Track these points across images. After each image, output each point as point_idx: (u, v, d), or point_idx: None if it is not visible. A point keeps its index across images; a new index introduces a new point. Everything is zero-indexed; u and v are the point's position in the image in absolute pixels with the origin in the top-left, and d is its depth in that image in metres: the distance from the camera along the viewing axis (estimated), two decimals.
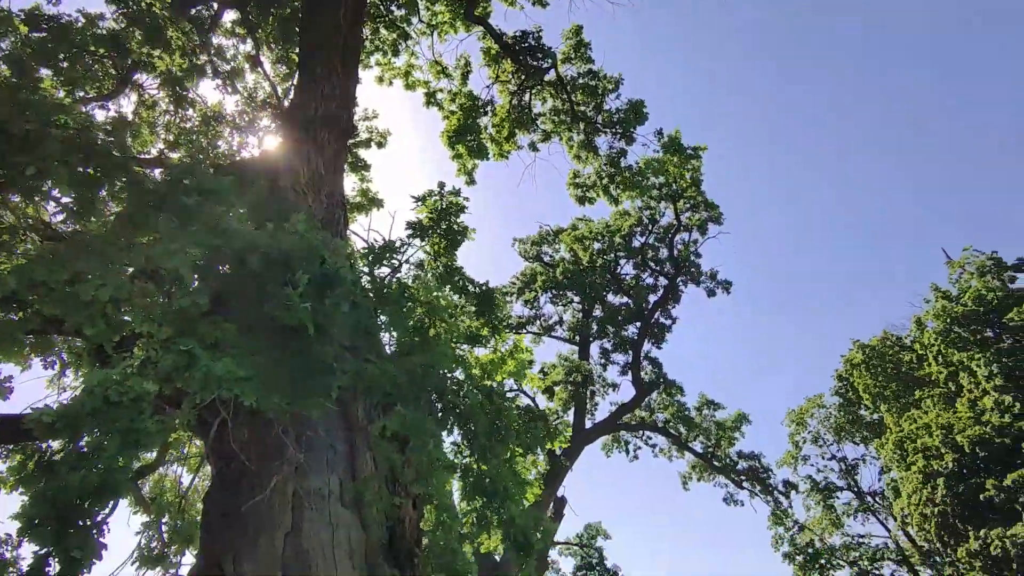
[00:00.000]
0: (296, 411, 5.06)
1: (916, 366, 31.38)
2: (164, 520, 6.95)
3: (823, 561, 35.90)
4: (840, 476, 37.89)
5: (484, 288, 6.31)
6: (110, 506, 3.91)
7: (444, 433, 5.07)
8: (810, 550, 35.78)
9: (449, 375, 5.34)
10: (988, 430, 24.10)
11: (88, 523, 3.75)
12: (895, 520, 32.88)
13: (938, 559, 31.31)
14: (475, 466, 5.34)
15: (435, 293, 5.35)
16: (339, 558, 5.34)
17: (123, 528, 7.38)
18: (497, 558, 21.74)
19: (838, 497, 37.51)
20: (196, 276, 5.44)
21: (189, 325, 5.04)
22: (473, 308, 5.97)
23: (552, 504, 26.13)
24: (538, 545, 5.61)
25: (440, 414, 5.23)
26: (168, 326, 4.99)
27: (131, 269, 5.72)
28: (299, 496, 5.49)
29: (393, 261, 5.81)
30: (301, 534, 5.32)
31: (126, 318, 5.26)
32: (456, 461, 5.55)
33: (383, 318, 5.06)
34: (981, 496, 23.37)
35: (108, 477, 3.74)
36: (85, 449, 3.88)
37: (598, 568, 26.15)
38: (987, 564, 22.97)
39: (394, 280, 5.69)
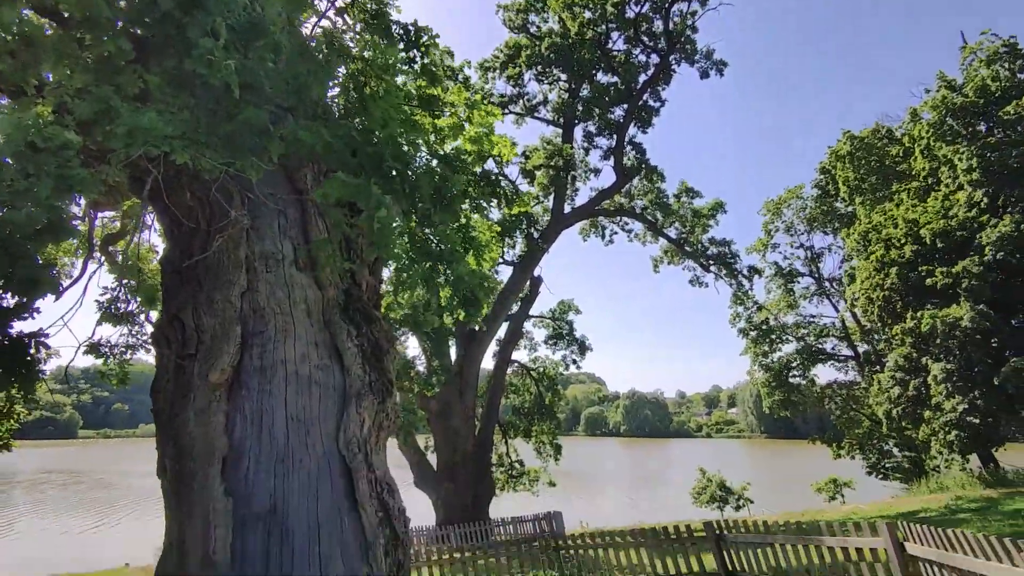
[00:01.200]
0: (235, 173, 4.87)
1: (900, 160, 31.18)
2: (127, 281, 7.19)
3: (774, 336, 39.74)
4: (804, 264, 40.10)
5: (413, 27, 5.65)
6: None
7: (390, 199, 4.95)
8: (764, 327, 39.37)
9: (394, 139, 5.07)
10: (952, 223, 24.85)
11: (38, 260, 3.79)
12: (845, 303, 35.55)
13: (876, 336, 34.68)
14: (421, 232, 5.37)
15: (367, 42, 4.80)
16: (297, 316, 5.64)
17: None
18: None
19: (798, 282, 40.15)
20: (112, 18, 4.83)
21: (107, 75, 4.62)
22: (401, 53, 5.42)
23: (528, 282, 27.73)
24: (484, 301, 5.89)
25: (383, 180, 5.07)
26: (83, 73, 4.57)
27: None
28: (251, 259, 5.59)
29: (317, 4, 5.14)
30: (257, 293, 5.54)
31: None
32: (405, 227, 5.54)
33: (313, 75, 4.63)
34: (928, 282, 25.00)
35: (51, 215, 3.66)
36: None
37: (567, 338, 28.68)
38: (916, 340, 25.47)
39: (318, 28, 5.09)
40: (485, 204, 6.91)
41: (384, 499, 5.51)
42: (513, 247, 26.58)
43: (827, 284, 39.32)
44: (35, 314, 3.96)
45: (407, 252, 5.18)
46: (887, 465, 35.78)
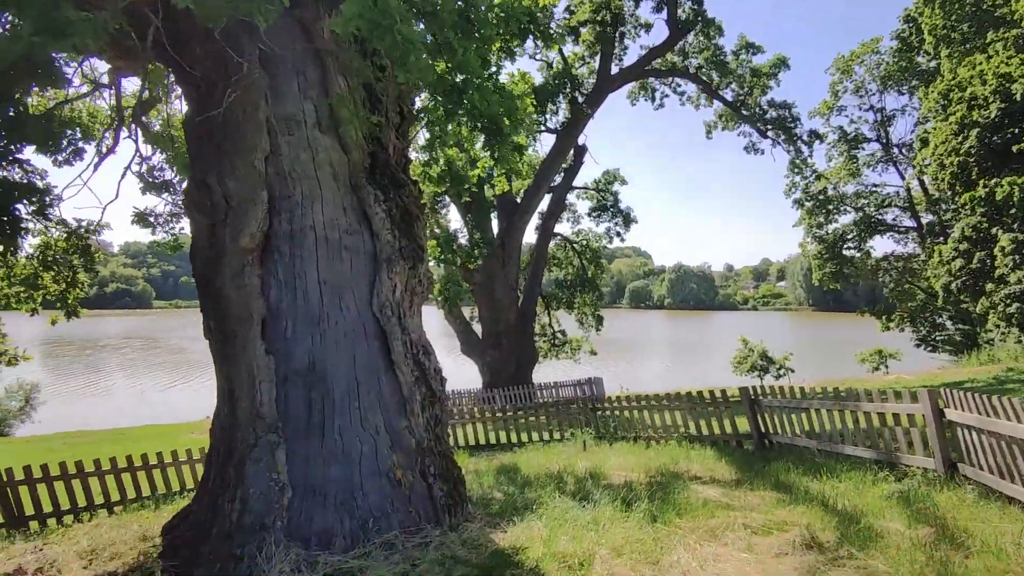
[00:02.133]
0: (244, 22, 4.53)
1: (1001, 3, 27.24)
2: (160, 151, 7.15)
3: (831, 207, 37.89)
4: (872, 128, 37.05)
5: None
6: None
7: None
8: (821, 196, 37.44)
9: None
10: None
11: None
12: (914, 169, 33.11)
13: (943, 206, 32.55)
14: (442, 63, 4.94)
15: None
16: (323, 180, 5.51)
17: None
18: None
19: (863, 148, 37.37)
20: None
21: None
22: None
23: (571, 152, 26.71)
24: (509, 131, 5.59)
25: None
26: None
27: None
28: (273, 122, 5.38)
29: None
30: (281, 157, 5.39)
31: None
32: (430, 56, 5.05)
33: None
34: (1014, 148, 22.79)
35: (34, 54, 3.47)
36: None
37: (612, 210, 28.06)
38: (988, 210, 23.80)
39: None
40: (518, 47, 6.30)
41: (420, 360, 5.67)
42: (555, 113, 25.32)
43: (895, 150, 36.49)
44: (17, 164, 3.88)
45: (432, 87, 4.79)
46: (938, 338, 35.21)
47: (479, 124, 5.18)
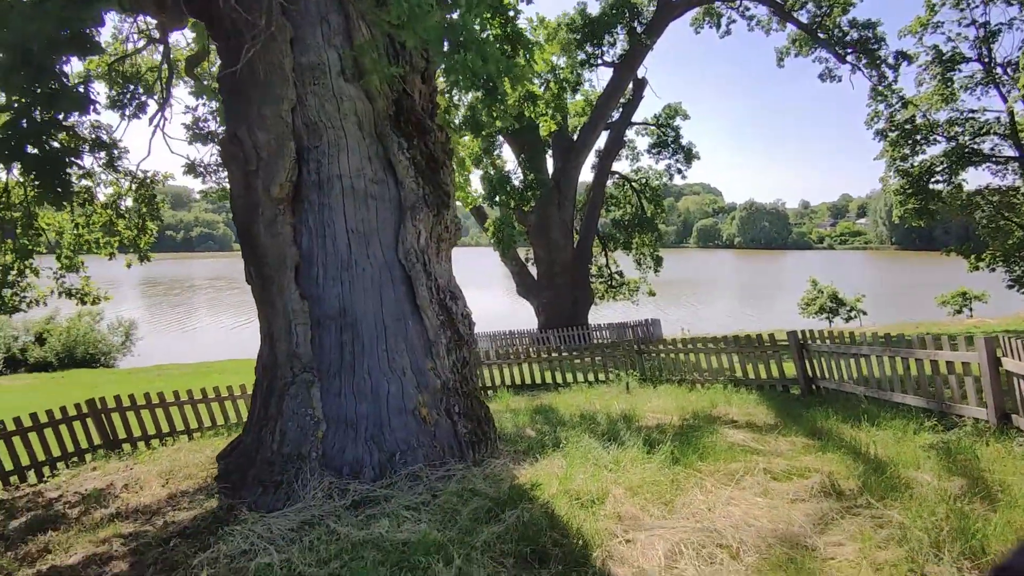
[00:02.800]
0: None
1: None
2: (204, 101, 7.42)
3: (919, 136, 34.82)
4: (972, 46, 33.24)
5: None
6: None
7: None
8: (908, 126, 34.42)
9: None
10: None
11: (60, 72, 3.91)
12: (1019, 91, 29.77)
13: None
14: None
15: None
16: (348, 129, 5.61)
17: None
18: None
19: (960, 70, 33.76)
20: None
21: None
22: None
23: (631, 85, 25.58)
24: (506, 92, 5.48)
25: None
26: None
27: None
28: (299, 71, 5.47)
29: None
30: (307, 107, 5.51)
31: None
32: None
33: None
34: None
35: (68, 27, 3.67)
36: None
37: (672, 146, 26.96)
38: None
39: None
40: None
41: (447, 304, 5.84)
42: (613, 45, 24.19)
43: (998, 70, 32.75)
44: (62, 130, 4.17)
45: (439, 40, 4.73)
46: None
47: (476, 83, 5.09)
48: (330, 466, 5.00)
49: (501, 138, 24.41)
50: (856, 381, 8.36)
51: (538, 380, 12.31)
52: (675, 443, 6.22)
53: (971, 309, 29.19)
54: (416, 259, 5.54)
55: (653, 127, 27.50)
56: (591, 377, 12.07)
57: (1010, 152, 33.44)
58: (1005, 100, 32.83)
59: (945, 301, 30.35)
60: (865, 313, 32.81)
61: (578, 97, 26.38)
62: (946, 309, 30.16)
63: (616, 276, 28.94)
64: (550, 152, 25.52)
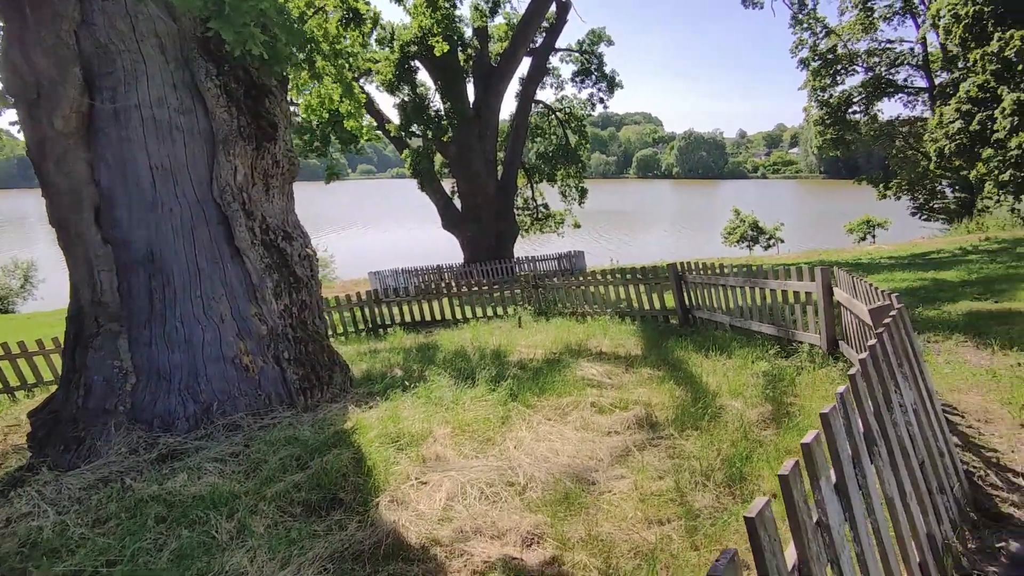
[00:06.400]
0: None
1: None
2: None
3: (839, 67, 35.29)
4: None
5: None
6: None
7: None
8: (830, 55, 34.75)
9: None
10: None
11: None
12: (929, 20, 30.31)
13: (960, 64, 30.19)
14: None
15: None
16: (147, 53, 5.02)
17: None
18: None
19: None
20: None
21: None
22: None
23: (555, 7, 24.54)
24: (283, 44, 5.05)
25: None
26: None
27: None
28: None
29: None
30: (95, 27, 4.87)
31: None
32: None
33: None
34: None
35: None
36: None
37: (596, 74, 26.32)
38: (998, 68, 22.04)
39: None
40: None
41: (279, 245, 5.52)
42: None
43: (915, 0, 33.22)
44: None
45: None
46: (935, 206, 34.33)
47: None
48: (140, 419, 4.77)
49: (417, 63, 23.20)
50: (724, 311, 8.63)
51: (438, 316, 12.21)
52: (526, 378, 6.29)
53: (874, 236, 30.77)
54: (233, 197, 5.15)
55: (577, 54, 26.68)
56: (489, 312, 12.06)
57: (921, 83, 34.48)
58: (919, 30, 33.47)
59: (852, 229, 31.83)
60: (783, 241, 34.08)
61: (498, 20, 25.19)
62: (852, 236, 31.67)
63: (542, 209, 28.78)
64: (471, 79, 24.50)
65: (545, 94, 27.76)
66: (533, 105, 26.44)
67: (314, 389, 5.48)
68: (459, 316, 12.05)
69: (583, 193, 28.10)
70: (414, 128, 22.31)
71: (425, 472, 4.10)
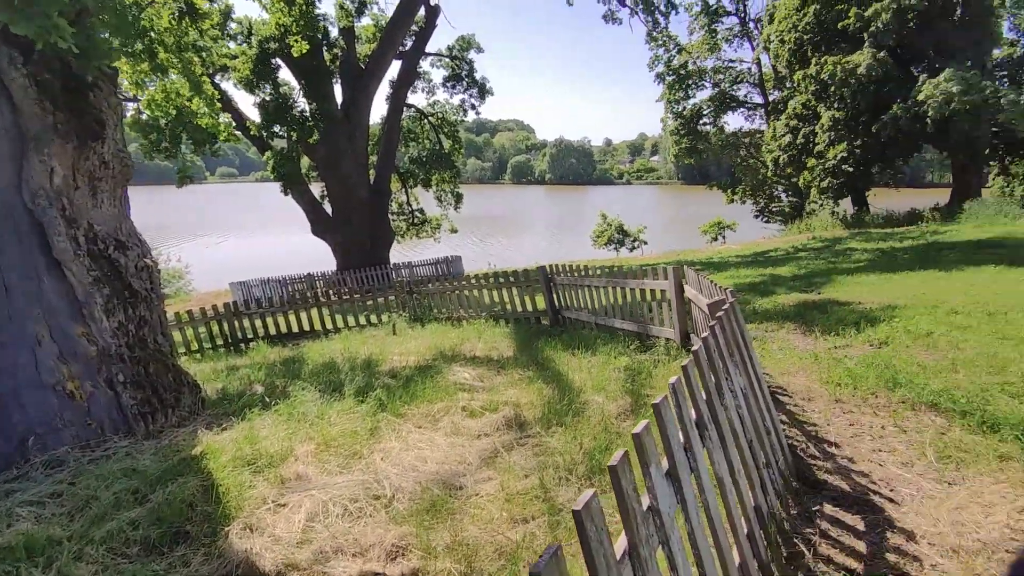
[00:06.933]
0: None
1: None
2: None
3: (690, 82, 38.54)
4: (732, 1, 37.15)
5: None
6: None
7: None
8: (682, 71, 37.83)
9: None
10: None
11: None
12: (762, 44, 33.99)
13: (788, 84, 34.10)
14: None
15: None
16: None
17: None
18: None
19: (723, 22, 37.67)
20: None
21: None
22: None
23: (424, 11, 24.41)
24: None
25: None
26: None
27: None
28: None
29: None
30: None
31: None
32: None
33: None
34: (840, 24, 23.76)
35: None
36: None
37: (467, 80, 26.55)
38: (817, 88, 25.17)
39: None
40: None
41: (111, 256, 4.95)
42: None
43: (751, 25, 37.08)
44: None
45: None
46: (773, 209, 38.45)
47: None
48: None
49: (279, 61, 22.00)
50: (590, 310, 9.04)
51: (307, 328, 11.62)
52: (397, 387, 6.15)
53: (724, 237, 33.84)
54: (49, 202, 4.53)
55: (447, 59, 26.74)
56: (362, 321, 11.69)
57: (759, 99, 38.47)
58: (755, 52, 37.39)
59: (705, 230, 34.77)
60: (646, 243, 36.38)
61: (366, 21, 24.61)
62: (706, 237, 34.61)
63: (418, 213, 28.47)
64: (338, 80, 23.68)
65: (417, 98, 27.67)
66: (405, 109, 26.13)
67: (157, 413, 4.96)
68: (330, 326, 11.56)
69: (459, 198, 28.20)
70: (277, 129, 21.11)
71: (284, 493, 3.86)
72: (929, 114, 20.71)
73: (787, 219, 35.91)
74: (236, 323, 10.83)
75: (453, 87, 26.78)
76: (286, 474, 4.15)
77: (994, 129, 22.37)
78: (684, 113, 38.11)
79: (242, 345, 10.73)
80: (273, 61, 21.67)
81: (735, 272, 14.30)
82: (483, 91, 26.69)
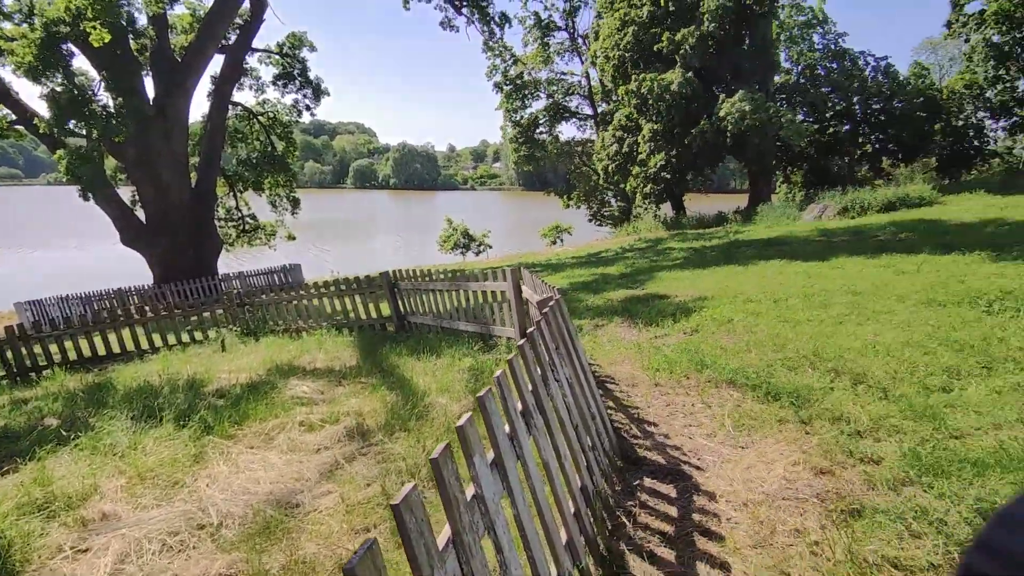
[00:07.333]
0: None
1: None
2: None
3: (527, 92, 40.29)
4: (562, 16, 39.52)
5: None
6: None
7: None
8: (519, 81, 39.42)
9: None
10: None
11: None
12: (589, 59, 36.57)
13: (614, 97, 37.00)
14: None
15: None
16: None
17: None
18: None
19: (554, 36, 39.93)
20: None
21: None
22: None
23: (249, 3, 22.79)
24: None
25: None
26: None
27: None
28: None
29: None
30: None
31: None
32: None
33: None
34: (656, 46, 26.35)
35: None
36: None
37: (300, 79, 25.29)
38: (638, 102, 27.64)
39: None
40: None
41: None
42: None
43: (579, 41, 39.72)
44: None
45: None
46: (605, 213, 41.46)
47: None
48: None
49: (72, 47, 19.19)
50: (435, 314, 9.07)
51: (117, 350, 10.28)
52: (225, 407, 5.69)
53: (562, 240, 35.82)
54: None
55: (277, 56, 25.24)
56: (185, 338, 10.62)
57: (589, 111, 41.27)
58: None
59: (545, 234, 36.54)
60: (491, 247, 37.30)
61: (181, 9, 22.43)
62: (546, 240, 36.38)
63: (249, 220, 26.50)
64: (148, 73, 21.27)
65: (245, 96, 25.92)
66: (232, 107, 24.21)
67: None
68: (147, 347, 10.38)
69: (296, 203, 26.73)
70: (73, 125, 18.40)
71: (87, 537, 3.39)
72: (729, 129, 23.75)
73: (617, 222, 38.97)
74: (24, 349, 9.27)
75: (285, 86, 25.33)
76: (89, 515, 3.65)
77: (778, 143, 26.27)
78: (522, 122, 39.75)
79: (33, 374, 9.20)
80: (65, 47, 18.85)
81: (571, 272, 15.22)
82: (318, 92, 25.57)
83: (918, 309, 6.79)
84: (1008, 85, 29.90)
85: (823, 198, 22.85)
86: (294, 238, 28.08)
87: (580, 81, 40.29)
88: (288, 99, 25.79)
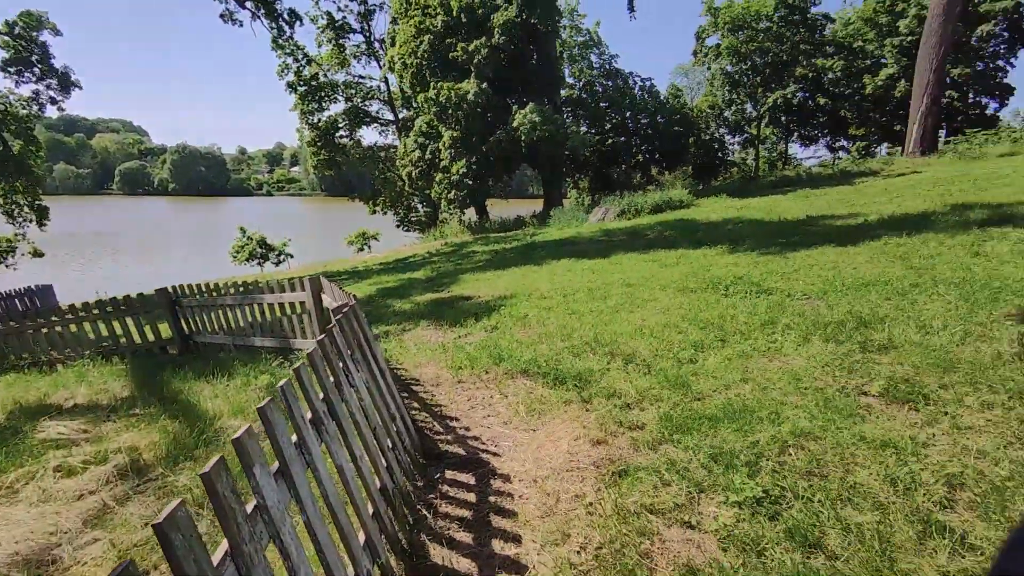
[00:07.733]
0: None
1: None
2: None
3: (323, 94, 38.70)
4: (357, 19, 38.72)
5: None
6: None
7: None
8: (314, 83, 37.70)
9: None
10: (475, 0, 26.67)
11: None
12: (386, 66, 36.40)
13: (414, 104, 37.19)
14: None
15: None
16: None
17: None
18: None
19: (350, 39, 38.95)
20: None
21: None
22: None
23: None
24: None
25: None
26: None
27: None
28: None
29: None
30: None
31: None
32: None
33: None
34: (451, 55, 27.12)
35: None
36: None
37: (40, 67, 21.36)
38: (437, 110, 28.16)
39: None
40: None
41: None
42: None
43: (376, 45, 39.28)
44: None
45: None
46: (412, 218, 41.52)
47: None
48: None
49: None
50: (226, 331, 8.37)
51: None
52: None
53: (369, 247, 35.15)
54: None
55: (7, 38, 21.04)
56: None
57: (390, 116, 40.99)
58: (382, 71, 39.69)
59: (351, 241, 35.54)
60: (292, 256, 35.19)
61: None
62: (352, 247, 35.39)
63: None
64: None
65: None
66: None
67: None
68: None
69: (42, 212, 22.53)
70: None
71: None
72: (522, 138, 25.34)
73: (424, 227, 39.26)
74: None
75: (20, 74, 21.19)
76: None
77: (566, 152, 28.70)
78: (319, 125, 38.14)
79: None
80: None
81: (378, 279, 15.05)
82: (67, 82, 21.84)
83: (676, 296, 7.97)
84: (740, 107, 36.30)
85: (606, 202, 25.51)
86: (42, 255, 23.65)
87: (379, 86, 39.86)
88: (26, 90, 21.59)
